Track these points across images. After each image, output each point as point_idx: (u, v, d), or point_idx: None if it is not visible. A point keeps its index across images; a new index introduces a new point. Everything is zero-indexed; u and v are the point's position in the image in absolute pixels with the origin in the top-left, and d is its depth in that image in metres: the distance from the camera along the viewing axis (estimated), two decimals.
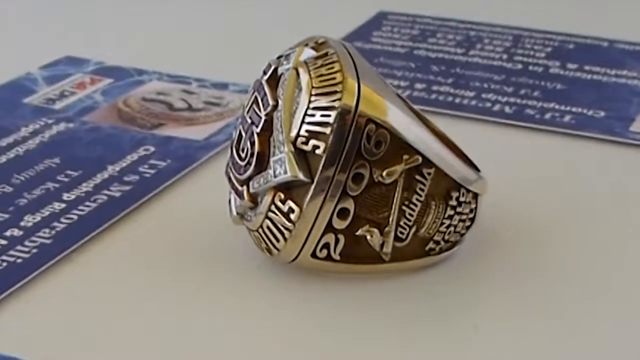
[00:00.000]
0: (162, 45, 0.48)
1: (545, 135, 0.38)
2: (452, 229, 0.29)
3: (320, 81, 0.28)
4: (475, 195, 0.30)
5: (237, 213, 0.30)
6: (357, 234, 0.28)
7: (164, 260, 0.31)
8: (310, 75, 0.28)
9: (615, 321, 0.28)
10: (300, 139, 0.27)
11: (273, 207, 0.28)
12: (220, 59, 0.46)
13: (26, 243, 0.31)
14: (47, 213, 0.32)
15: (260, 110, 0.29)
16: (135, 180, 0.35)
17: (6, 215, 0.32)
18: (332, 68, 0.28)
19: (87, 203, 0.33)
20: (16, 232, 0.31)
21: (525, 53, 0.46)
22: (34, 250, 0.30)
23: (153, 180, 0.35)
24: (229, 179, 0.30)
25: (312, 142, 0.27)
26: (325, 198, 0.27)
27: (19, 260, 0.30)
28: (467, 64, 0.45)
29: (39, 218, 0.32)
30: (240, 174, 0.29)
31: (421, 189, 0.28)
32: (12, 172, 0.35)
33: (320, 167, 0.27)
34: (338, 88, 0.27)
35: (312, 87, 0.28)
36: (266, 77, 0.29)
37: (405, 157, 0.28)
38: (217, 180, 0.31)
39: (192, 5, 0.54)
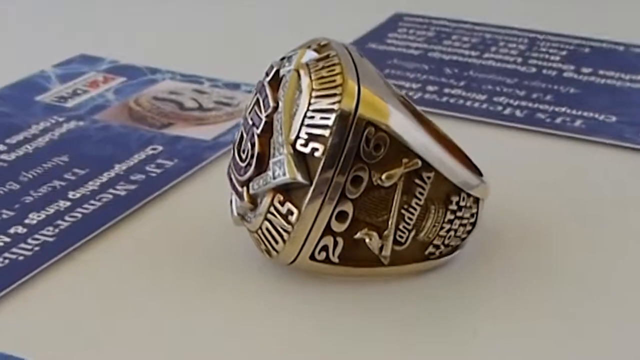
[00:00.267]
0: (176, 45, 0.48)
1: (554, 140, 0.38)
2: (452, 233, 0.29)
3: (321, 83, 0.28)
4: (477, 200, 0.29)
5: (238, 214, 0.30)
6: (355, 237, 0.28)
7: (167, 260, 0.31)
8: (310, 77, 0.28)
9: (618, 326, 0.28)
10: (299, 141, 0.27)
11: (272, 209, 0.28)
12: (234, 59, 0.46)
13: (29, 241, 0.31)
14: (52, 211, 0.33)
15: (261, 111, 0.29)
16: (142, 180, 0.35)
17: (11, 213, 0.32)
18: (333, 70, 0.28)
19: (92, 201, 0.33)
20: (20, 230, 0.32)
21: (540, 56, 0.46)
22: (37, 248, 0.31)
23: (159, 179, 0.35)
24: (230, 179, 0.30)
25: (312, 144, 0.27)
26: (323, 200, 0.27)
27: (21, 258, 0.30)
28: (480, 66, 0.45)
29: (43, 216, 0.32)
30: (240, 175, 0.29)
31: (420, 193, 0.28)
32: (20, 170, 0.35)
33: (319, 170, 0.27)
34: (338, 90, 0.27)
35: (312, 90, 0.28)
36: (268, 78, 0.29)
37: (405, 160, 0.28)
38: (222, 181, 0.31)
39: (207, 4, 0.54)
